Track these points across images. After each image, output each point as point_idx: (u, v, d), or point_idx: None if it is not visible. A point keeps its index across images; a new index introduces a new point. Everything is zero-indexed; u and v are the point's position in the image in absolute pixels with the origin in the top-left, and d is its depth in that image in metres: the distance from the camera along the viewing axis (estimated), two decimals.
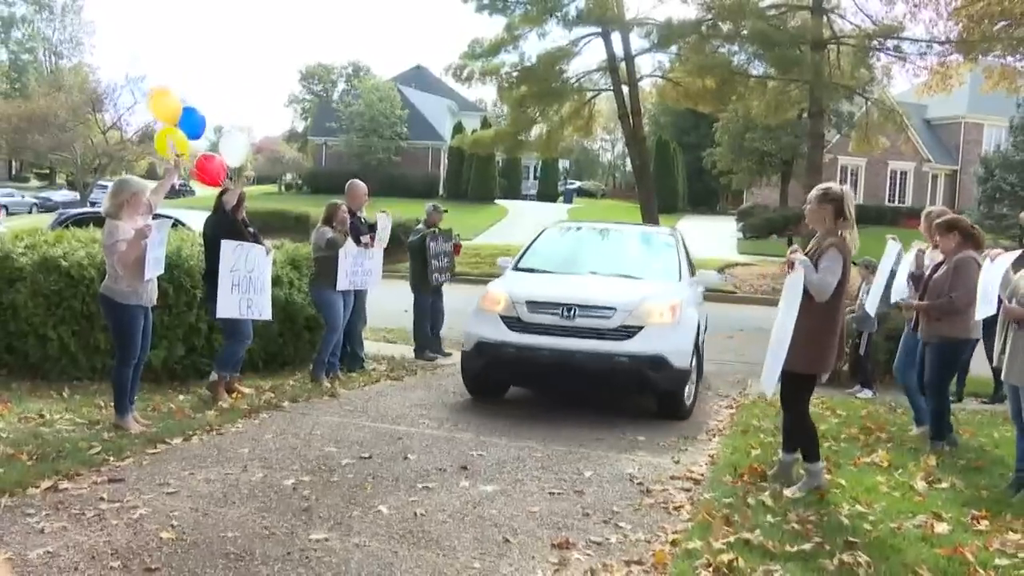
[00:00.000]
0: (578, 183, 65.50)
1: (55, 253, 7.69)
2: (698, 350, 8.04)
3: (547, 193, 55.76)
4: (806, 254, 5.23)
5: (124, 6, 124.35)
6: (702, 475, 5.73)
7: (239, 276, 7.06)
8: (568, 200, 54.06)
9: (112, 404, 6.27)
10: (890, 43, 23.36)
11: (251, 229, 7.56)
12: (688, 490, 5.40)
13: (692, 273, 8.80)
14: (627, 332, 7.29)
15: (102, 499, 4.68)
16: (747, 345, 12.24)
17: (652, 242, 9.51)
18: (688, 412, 7.67)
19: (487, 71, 25.92)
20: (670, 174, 48.69)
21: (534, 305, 7.51)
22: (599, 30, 25.41)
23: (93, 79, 48.40)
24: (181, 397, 7.31)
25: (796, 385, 5.29)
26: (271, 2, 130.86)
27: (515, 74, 25.93)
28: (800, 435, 5.38)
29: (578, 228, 10.61)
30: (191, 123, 7.05)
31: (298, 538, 4.28)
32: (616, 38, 25.54)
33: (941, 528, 4.67)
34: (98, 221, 6.21)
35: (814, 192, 5.40)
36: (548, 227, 10.09)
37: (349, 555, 4.10)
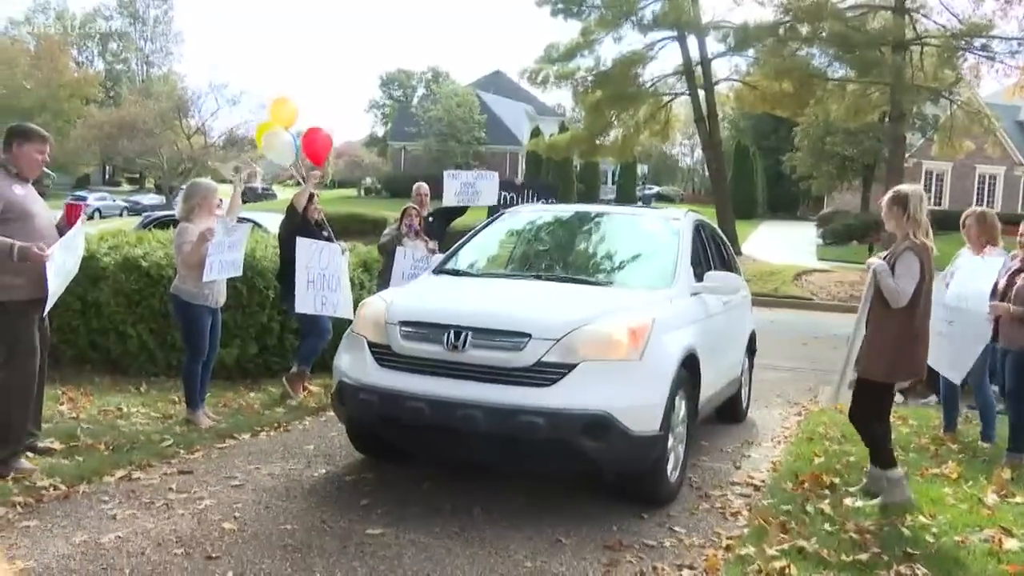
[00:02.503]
0: (656, 188, 64.98)
1: (136, 254, 8.00)
2: (687, 394, 5.27)
3: (625, 198, 55.47)
4: (884, 259, 5.12)
5: (207, 14, 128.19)
6: (762, 481, 5.66)
7: (313, 273, 7.15)
8: (647, 204, 53.69)
9: (184, 399, 6.51)
10: (978, 42, 22.67)
11: (325, 232, 7.66)
12: (747, 496, 5.34)
13: (701, 277, 6.06)
14: (547, 373, 4.69)
15: (171, 489, 4.89)
16: (821, 352, 12.01)
17: (648, 232, 6.74)
18: (674, 492, 5.16)
19: (562, 75, 26.06)
20: (749, 179, 48.03)
21: (411, 328, 5.01)
22: (675, 34, 25.32)
23: (181, 86, 50.16)
24: (252, 394, 7.52)
25: (872, 395, 5.12)
26: (352, 9, 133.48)
27: (590, 78, 26.05)
28: (872, 442, 5.24)
29: (549, 213, 7.48)
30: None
31: (355, 532, 4.39)
32: (692, 42, 25.43)
33: (1011, 544, 4.49)
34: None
35: (886, 195, 5.30)
36: (508, 210, 7.57)
37: (403, 550, 4.19)
